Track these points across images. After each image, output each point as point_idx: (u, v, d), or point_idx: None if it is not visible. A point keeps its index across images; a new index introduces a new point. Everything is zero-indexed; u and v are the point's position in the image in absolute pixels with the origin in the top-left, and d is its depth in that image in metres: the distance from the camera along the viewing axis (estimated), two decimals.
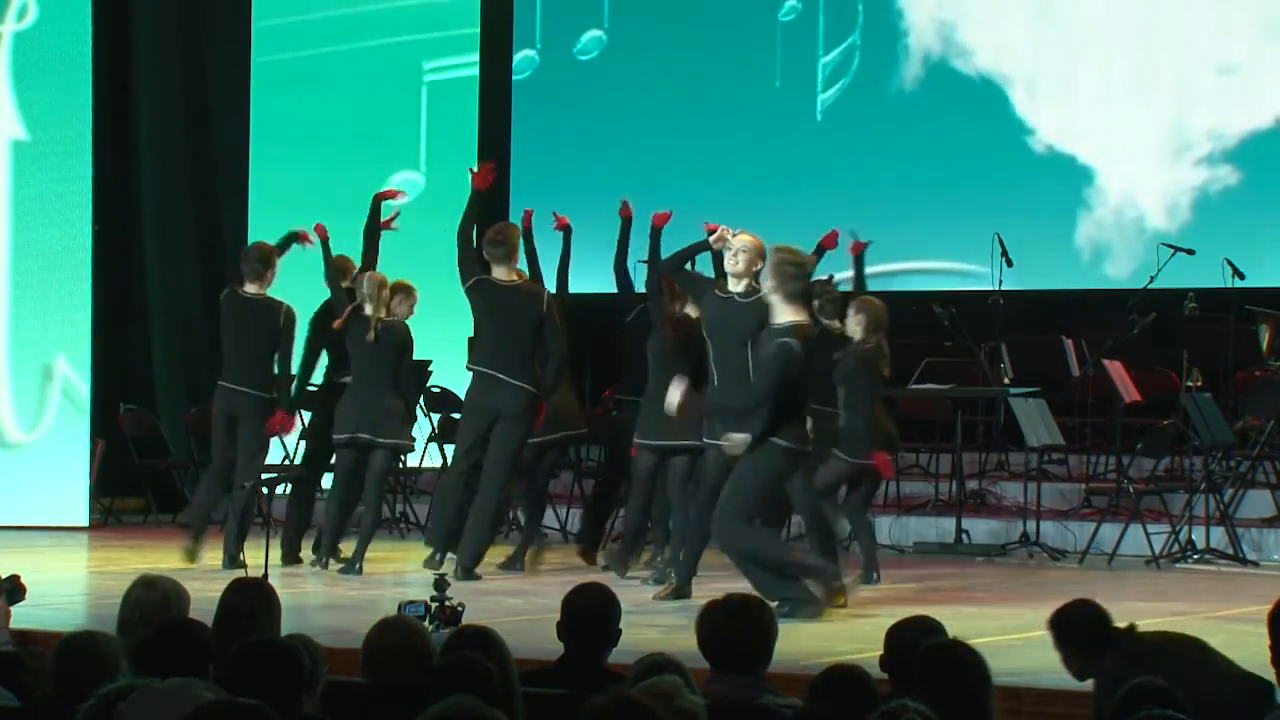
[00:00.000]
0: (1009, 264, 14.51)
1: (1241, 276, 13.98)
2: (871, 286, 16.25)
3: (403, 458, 13.89)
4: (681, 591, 10.25)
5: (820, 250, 11.52)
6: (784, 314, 9.71)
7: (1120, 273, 15.25)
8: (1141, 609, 10.50)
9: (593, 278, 16.76)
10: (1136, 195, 15.26)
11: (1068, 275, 15.68)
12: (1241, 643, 8.63)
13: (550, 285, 12.51)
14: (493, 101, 17.63)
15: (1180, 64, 15.44)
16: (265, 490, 13.54)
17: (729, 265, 10.18)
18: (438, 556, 11.71)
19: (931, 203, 15.99)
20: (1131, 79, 15.64)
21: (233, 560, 11.82)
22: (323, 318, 12.55)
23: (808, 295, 9.94)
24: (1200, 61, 15.37)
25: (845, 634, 9.08)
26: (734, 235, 10.22)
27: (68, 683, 5.17)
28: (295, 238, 12.68)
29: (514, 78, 17.67)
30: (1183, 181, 15.39)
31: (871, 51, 16.47)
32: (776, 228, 16.64)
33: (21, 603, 7.64)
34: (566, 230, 12.71)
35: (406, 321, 12.37)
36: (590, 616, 6.11)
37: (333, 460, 12.47)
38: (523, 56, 17.64)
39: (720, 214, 16.87)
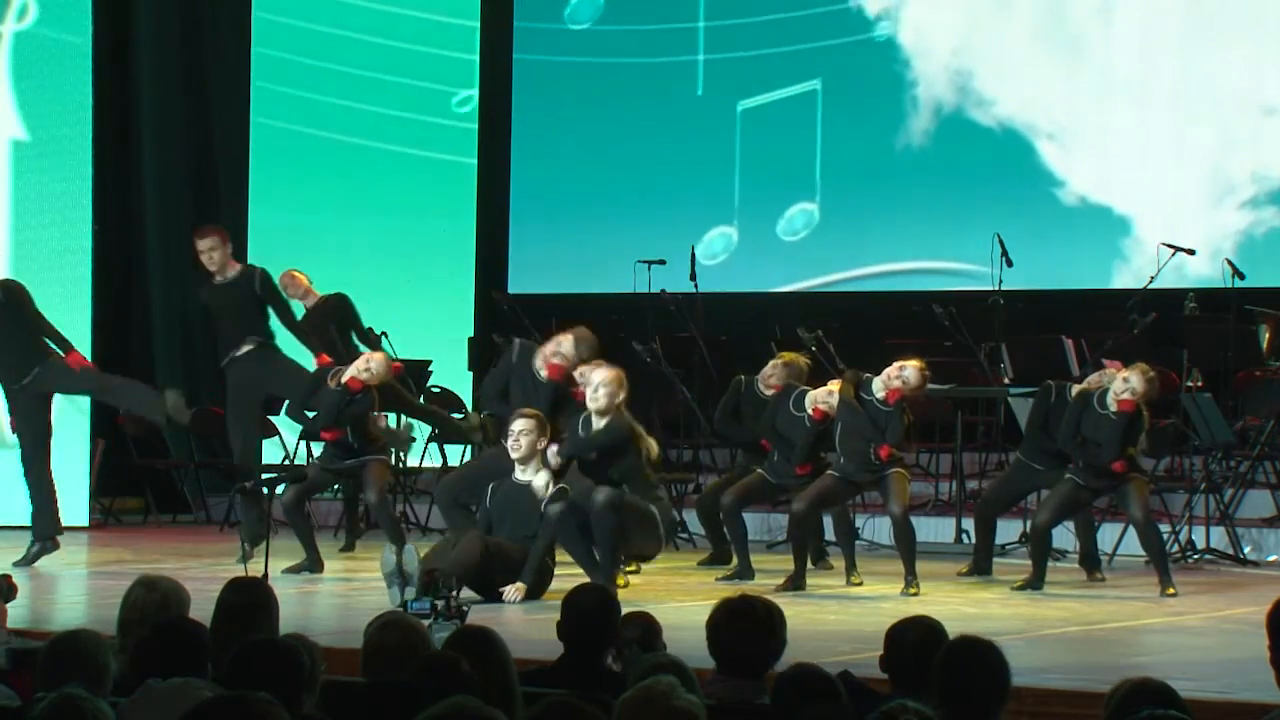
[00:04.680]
0: (1009, 264, 14.51)
1: (1241, 276, 13.97)
2: (872, 286, 16.38)
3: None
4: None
5: None
6: None
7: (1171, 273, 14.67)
8: (1141, 609, 10.53)
9: (593, 278, 16.83)
10: (1178, 242, 15.03)
11: (1068, 275, 15.68)
12: (1241, 643, 8.65)
13: None
14: (492, 100, 17.64)
15: (1217, 107, 15.33)
16: (265, 491, 13.51)
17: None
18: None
19: (940, 212, 16.06)
20: (1164, 125, 15.54)
21: None
22: None
23: None
24: (1239, 104, 15.27)
25: (845, 634, 9.08)
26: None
27: (56, 683, 5.16)
28: None
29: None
30: (1226, 226, 15.32)
31: (880, 103, 16.42)
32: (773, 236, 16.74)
33: (22, 603, 7.64)
34: None
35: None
36: (590, 617, 6.12)
37: None
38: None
39: (726, 214, 16.96)
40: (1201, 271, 14.80)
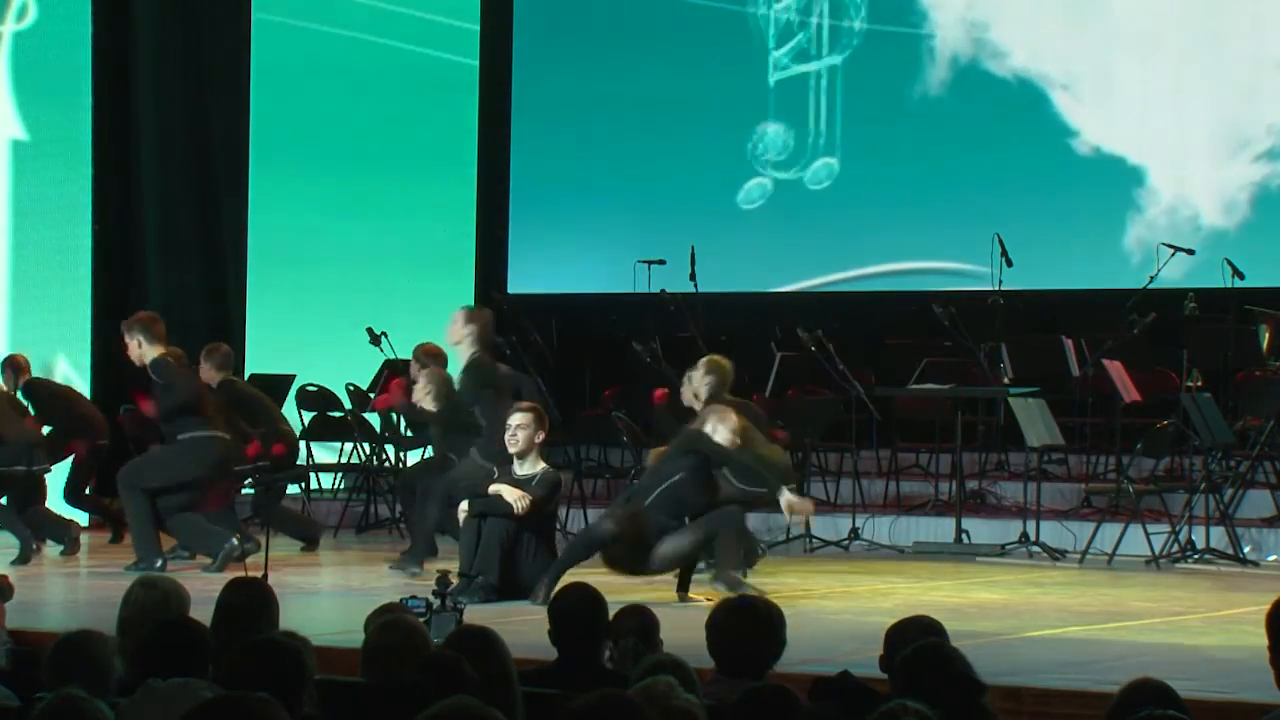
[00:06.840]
0: (1009, 264, 14.51)
1: (1241, 276, 13.98)
2: (872, 286, 16.36)
3: None
4: None
5: None
6: None
7: (1170, 273, 14.60)
8: (1141, 609, 10.52)
9: (593, 277, 16.81)
10: (1190, 194, 15.13)
11: (1067, 275, 15.69)
12: (1241, 643, 8.65)
13: None
14: (492, 99, 17.64)
15: (1234, 59, 15.43)
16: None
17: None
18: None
19: (948, 205, 16.07)
20: (1180, 76, 15.64)
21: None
22: None
23: None
24: (1256, 56, 15.35)
25: (845, 634, 9.07)
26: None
27: (61, 683, 5.16)
28: None
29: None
30: (1241, 178, 15.40)
31: (894, 53, 16.47)
32: (782, 228, 16.74)
33: (22, 603, 7.63)
34: None
35: None
36: (576, 617, 6.11)
37: None
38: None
39: (720, 210, 16.97)
40: (1214, 221, 14.89)
